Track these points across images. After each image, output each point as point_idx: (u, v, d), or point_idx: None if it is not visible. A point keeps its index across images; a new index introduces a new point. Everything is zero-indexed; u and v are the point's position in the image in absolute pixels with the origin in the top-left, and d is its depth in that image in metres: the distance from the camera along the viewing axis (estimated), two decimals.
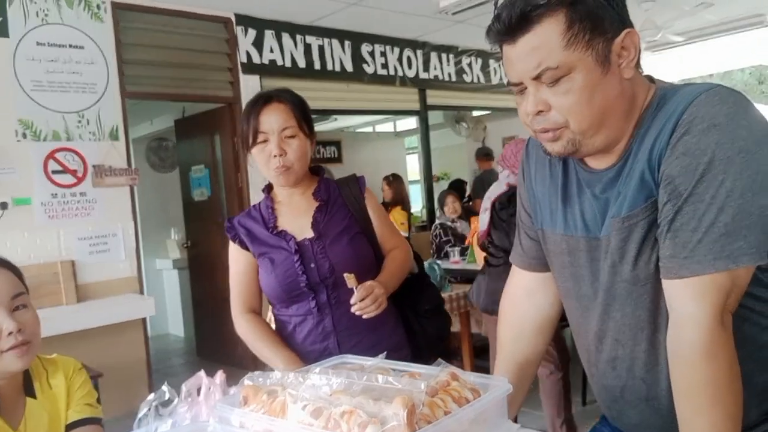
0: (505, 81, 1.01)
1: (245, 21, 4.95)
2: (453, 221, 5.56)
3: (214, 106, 5.11)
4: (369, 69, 5.83)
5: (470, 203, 7.03)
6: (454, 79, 6.65)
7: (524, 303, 1.29)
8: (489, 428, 0.96)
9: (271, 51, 5.14)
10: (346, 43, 5.65)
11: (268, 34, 5.12)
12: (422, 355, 1.76)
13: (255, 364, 5.20)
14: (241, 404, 0.99)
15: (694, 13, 5.54)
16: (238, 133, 1.75)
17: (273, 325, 1.81)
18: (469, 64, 6.81)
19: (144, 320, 4.31)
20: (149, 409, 1.08)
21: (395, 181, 6.40)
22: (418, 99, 6.42)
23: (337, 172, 1.89)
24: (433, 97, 6.53)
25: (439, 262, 4.23)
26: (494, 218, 3.05)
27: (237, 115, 4.94)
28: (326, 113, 6.75)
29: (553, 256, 1.18)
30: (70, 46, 4.05)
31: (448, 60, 6.58)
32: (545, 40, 0.93)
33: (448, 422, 0.88)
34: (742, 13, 6.13)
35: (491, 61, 6.97)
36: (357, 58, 5.73)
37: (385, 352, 1.15)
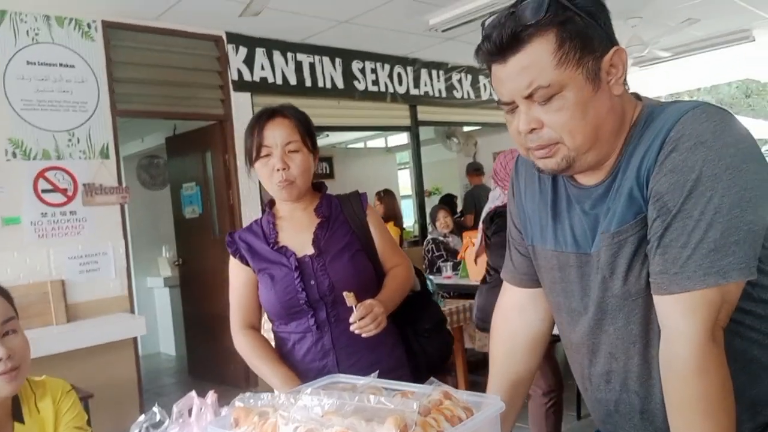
0: (494, 97, 1.02)
1: (236, 39, 4.98)
2: (445, 236, 5.56)
3: (205, 123, 5.12)
4: (360, 86, 5.86)
5: (462, 218, 7.05)
6: (444, 95, 6.70)
7: (516, 320, 1.29)
8: None
9: (262, 68, 5.16)
10: (337, 60, 5.69)
11: (259, 52, 5.14)
12: (421, 375, 1.74)
13: (247, 382, 5.15)
14: (232, 426, 0.98)
15: (680, 29, 5.61)
16: (245, 147, 1.74)
17: (273, 342, 1.80)
18: (459, 81, 6.86)
19: (135, 339, 4.27)
20: (140, 431, 1.06)
21: (387, 196, 6.41)
22: (409, 115, 6.46)
23: (330, 187, 1.89)
24: (424, 113, 6.57)
25: (431, 277, 4.22)
26: (485, 238, 3.05)
27: (228, 132, 4.95)
28: (318, 129, 6.74)
29: (543, 271, 1.19)
30: (61, 64, 4.05)
31: (438, 76, 6.63)
32: (536, 59, 0.94)
33: None
34: (728, 28, 6.22)
35: (481, 77, 7.03)
36: (348, 75, 5.76)
37: (378, 371, 1.14)
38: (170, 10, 4.31)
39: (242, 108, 5.01)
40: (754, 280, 0.94)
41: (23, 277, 3.83)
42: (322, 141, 8.39)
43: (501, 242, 2.73)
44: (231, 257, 1.77)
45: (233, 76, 4.96)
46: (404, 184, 9.43)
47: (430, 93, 6.55)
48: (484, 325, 2.93)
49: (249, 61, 5.07)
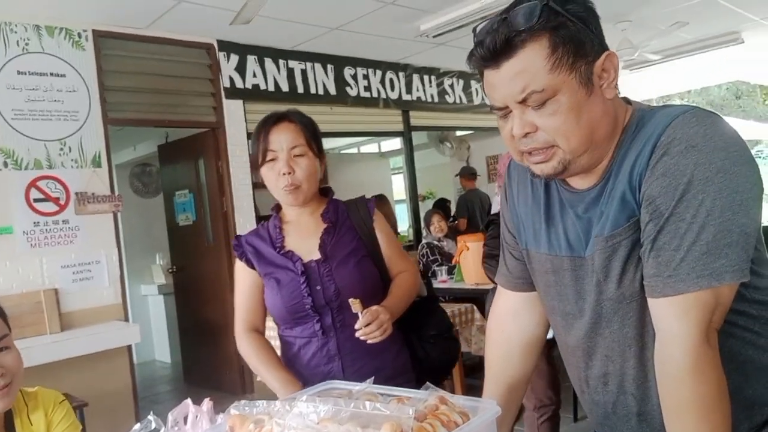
0: (486, 101, 1.02)
1: (228, 47, 4.98)
2: (439, 240, 5.57)
3: (198, 130, 5.11)
4: (352, 92, 5.87)
5: (455, 222, 7.06)
6: (436, 100, 6.71)
7: (511, 324, 1.29)
8: None
9: (254, 76, 5.16)
10: (329, 66, 5.69)
11: (251, 59, 5.14)
12: (426, 381, 1.74)
13: (243, 389, 5.14)
14: None
15: (669, 32, 5.65)
16: (251, 153, 1.73)
17: (278, 345, 1.80)
18: (451, 85, 6.88)
19: (129, 347, 4.25)
20: None
21: (381, 201, 6.41)
22: (402, 120, 6.47)
23: None
24: (417, 118, 6.58)
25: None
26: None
27: (221, 139, 4.95)
28: None
29: (538, 275, 1.19)
30: (51, 74, 4.04)
31: (430, 81, 6.64)
32: (529, 64, 0.95)
33: None
34: (717, 31, 6.26)
35: (472, 82, 7.05)
36: (340, 81, 5.77)
37: (375, 377, 1.14)
38: (161, 18, 4.31)
39: (234, 115, 5.01)
40: (747, 282, 0.94)
41: (16, 286, 3.81)
42: None
43: (489, 252, 2.71)
44: (237, 260, 1.77)
45: (225, 83, 4.96)
46: (398, 188, 9.42)
47: (423, 98, 6.56)
48: None
49: (241, 69, 5.07)
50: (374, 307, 1.55)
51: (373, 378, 1.13)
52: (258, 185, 6.18)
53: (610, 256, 1.01)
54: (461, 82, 6.99)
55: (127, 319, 4.31)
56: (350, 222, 1.75)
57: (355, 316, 1.53)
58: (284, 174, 1.64)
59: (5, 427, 1.29)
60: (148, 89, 4.56)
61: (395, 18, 4.84)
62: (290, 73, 5.40)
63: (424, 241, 5.68)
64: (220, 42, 4.92)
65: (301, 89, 5.46)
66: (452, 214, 7.49)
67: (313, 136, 1.70)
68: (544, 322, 1.27)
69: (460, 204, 7.17)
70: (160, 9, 4.15)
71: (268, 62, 5.27)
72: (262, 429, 0.93)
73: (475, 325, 3.90)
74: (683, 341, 0.92)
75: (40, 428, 1.33)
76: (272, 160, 1.66)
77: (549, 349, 2.66)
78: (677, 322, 0.93)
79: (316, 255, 1.69)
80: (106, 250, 4.20)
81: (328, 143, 8.56)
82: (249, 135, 5.11)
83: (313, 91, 5.55)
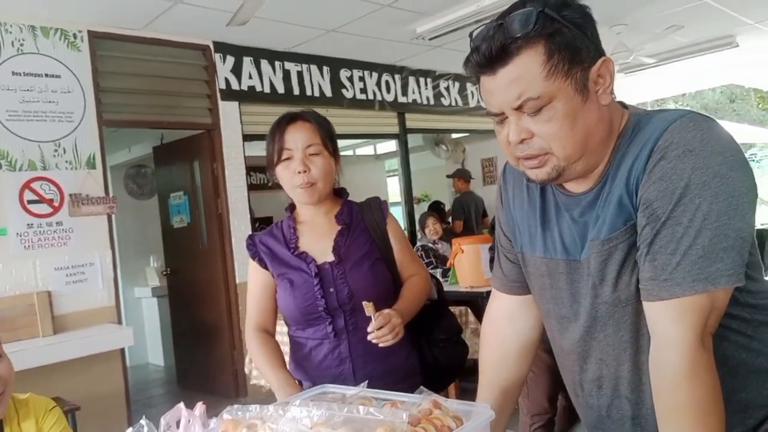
0: (482, 104, 1.02)
1: (223, 48, 4.97)
2: (434, 243, 5.57)
3: (193, 132, 5.10)
4: (348, 94, 5.87)
5: (450, 225, 7.06)
6: (432, 102, 6.72)
7: (506, 327, 1.29)
8: None
9: (250, 77, 5.16)
10: (325, 68, 5.70)
11: (247, 61, 5.14)
12: (435, 384, 1.73)
13: (237, 392, 5.12)
14: None
15: (664, 35, 5.67)
16: (267, 153, 1.74)
17: (286, 342, 1.79)
18: (447, 88, 6.89)
19: (122, 350, 4.23)
20: None
21: None
22: (398, 122, 6.48)
23: None
24: (412, 120, 6.59)
25: None
26: None
27: (216, 141, 4.94)
28: None
29: (533, 278, 1.19)
30: (46, 75, 4.03)
31: (426, 84, 6.65)
32: (525, 71, 0.94)
33: None
34: (712, 34, 6.29)
35: (468, 85, 7.06)
36: (336, 83, 5.77)
37: (367, 381, 1.13)
38: (157, 19, 4.30)
39: (230, 117, 5.01)
40: (741, 286, 0.94)
41: (9, 288, 3.79)
42: None
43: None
44: (250, 260, 1.77)
45: (221, 85, 4.96)
46: (393, 191, 9.43)
47: (418, 100, 6.57)
48: None
49: (237, 70, 5.06)
50: (386, 311, 1.55)
51: (367, 381, 1.12)
52: (253, 187, 6.19)
53: (606, 259, 1.01)
54: (457, 84, 7.00)
55: (120, 322, 4.29)
56: (364, 224, 1.76)
57: (367, 319, 1.53)
58: (300, 172, 1.65)
59: None
60: (144, 90, 4.55)
61: (391, 20, 4.84)
62: (286, 74, 5.40)
63: (419, 243, 5.68)
64: (216, 43, 4.92)
65: (297, 91, 5.46)
66: (447, 216, 7.49)
67: (328, 135, 1.71)
68: (540, 326, 1.27)
69: (456, 206, 7.18)
70: (156, 10, 4.14)
71: (264, 64, 5.26)
72: None
73: (470, 328, 3.90)
74: (679, 345, 0.92)
75: None
76: (288, 158, 1.67)
77: (553, 360, 2.64)
78: (673, 325, 0.93)
79: (330, 257, 1.69)
80: (100, 252, 4.18)
81: None
82: (245, 137, 5.11)
83: (309, 93, 5.55)
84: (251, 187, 5.43)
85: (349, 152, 9.77)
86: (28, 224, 3.89)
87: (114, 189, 4.63)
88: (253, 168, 6.48)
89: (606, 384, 1.09)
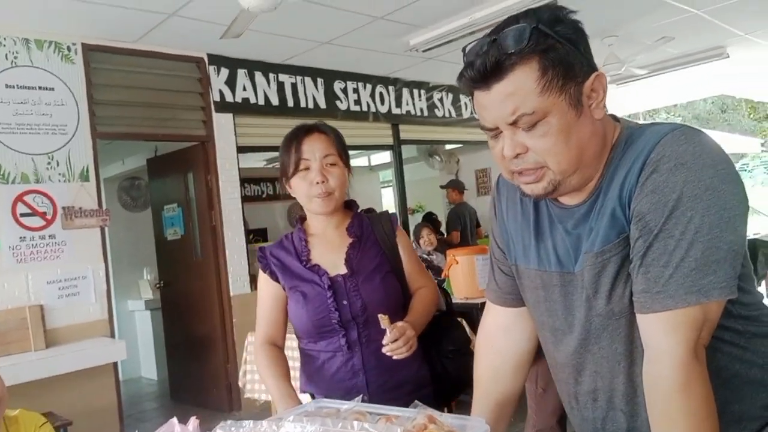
0: (475, 115, 1.02)
1: (218, 60, 4.98)
2: (429, 254, 5.57)
3: (187, 144, 5.10)
4: (342, 105, 5.89)
5: (448, 235, 7.07)
6: (426, 113, 6.75)
7: (501, 340, 1.29)
8: None
9: (244, 89, 5.17)
10: (319, 80, 5.71)
11: (241, 73, 5.15)
12: (444, 396, 1.75)
13: (231, 406, 5.07)
14: None
15: (655, 47, 5.72)
16: (281, 164, 1.75)
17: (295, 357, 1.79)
18: (440, 99, 6.92)
19: (115, 364, 4.20)
20: None
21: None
22: (392, 134, 6.49)
23: None
24: (406, 131, 6.61)
25: None
26: None
27: (210, 153, 4.94)
28: None
29: (527, 290, 1.19)
30: (40, 87, 4.02)
31: (419, 95, 6.68)
32: (520, 86, 0.95)
33: None
34: (703, 46, 6.35)
35: (461, 96, 7.09)
36: (330, 95, 5.79)
37: (361, 396, 1.13)
38: (151, 32, 4.31)
39: (224, 129, 5.01)
40: (733, 298, 0.95)
41: (1, 302, 3.76)
42: None
43: None
44: (260, 272, 1.77)
45: (215, 97, 4.96)
46: (387, 202, 9.45)
47: (412, 112, 6.59)
48: None
49: (231, 82, 5.07)
50: (401, 324, 1.56)
51: (361, 396, 1.12)
52: (248, 198, 6.18)
53: (599, 271, 1.01)
54: (450, 96, 7.03)
55: (113, 336, 4.26)
56: (374, 236, 1.77)
57: (380, 331, 1.54)
58: (318, 182, 1.66)
59: None
60: (138, 103, 4.54)
61: (385, 33, 4.87)
62: (280, 86, 5.41)
63: None
64: (210, 56, 4.93)
65: (291, 103, 5.47)
66: (441, 227, 7.49)
67: (342, 147, 1.75)
68: (535, 337, 1.26)
69: (452, 217, 7.18)
70: (151, 23, 4.15)
71: (258, 76, 5.27)
72: None
73: None
74: (672, 357, 0.92)
75: None
76: (305, 169, 1.68)
77: None
78: (666, 338, 0.93)
79: (342, 269, 1.70)
80: (93, 265, 4.16)
81: None
82: (239, 148, 5.11)
83: (303, 104, 5.56)
84: (245, 199, 5.42)
85: None
86: (20, 237, 3.87)
87: (107, 201, 4.61)
88: (247, 179, 6.49)
89: (601, 396, 1.09)
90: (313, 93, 5.65)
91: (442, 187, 7.76)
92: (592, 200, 1.04)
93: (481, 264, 4.05)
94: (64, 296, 4.01)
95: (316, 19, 4.40)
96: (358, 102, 6.03)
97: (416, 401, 1.04)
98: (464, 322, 3.85)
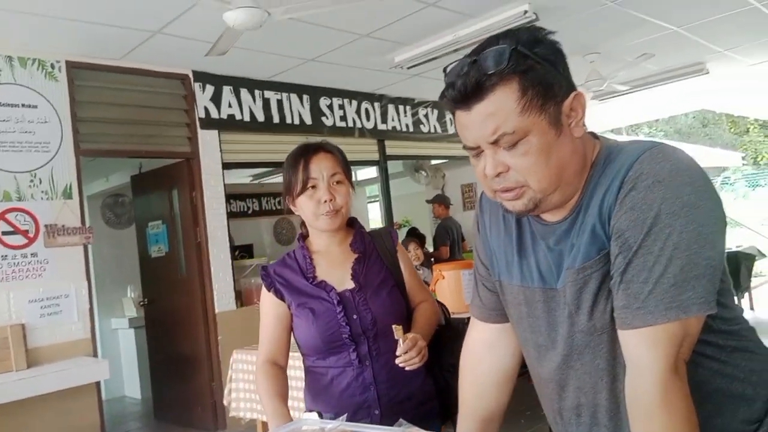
0: None
1: (203, 77, 4.98)
2: (416, 268, 5.56)
3: (172, 161, 5.08)
4: (328, 122, 5.90)
5: (435, 250, 7.07)
6: (411, 129, 6.78)
7: (485, 357, 1.29)
8: None
9: (230, 106, 5.17)
10: (305, 97, 5.73)
11: (227, 90, 5.15)
12: (448, 410, 1.75)
13: (216, 425, 5.01)
14: None
15: (636, 63, 5.80)
16: (285, 182, 1.77)
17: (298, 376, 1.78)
18: (426, 115, 6.96)
19: (98, 383, 4.14)
20: None
21: None
22: (378, 149, 6.52)
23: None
24: (392, 147, 6.64)
25: None
26: None
27: (195, 170, 4.92)
28: None
29: (511, 306, 1.20)
30: (23, 105, 4.00)
31: (405, 111, 6.72)
32: (500, 106, 0.96)
33: None
34: (683, 62, 6.45)
35: (446, 112, 7.14)
36: (316, 111, 5.80)
37: (346, 414, 1.13)
38: (136, 49, 4.30)
39: (209, 145, 5.00)
40: (713, 313, 0.96)
41: None
42: None
43: None
44: (264, 291, 1.77)
45: (200, 113, 4.95)
46: (374, 217, 9.46)
47: (398, 128, 6.63)
48: None
49: (216, 99, 5.07)
50: (412, 334, 1.59)
51: (346, 415, 1.11)
52: (233, 215, 6.15)
53: (581, 288, 1.02)
54: (435, 111, 7.08)
55: (96, 355, 4.20)
56: (377, 252, 1.80)
57: (390, 344, 1.56)
58: (326, 201, 1.68)
59: None
60: (122, 120, 4.53)
61: (370, 50, 4.90)
62: (266, 103, 5.42)
63: None
64: (195, 73, 4.93)
65: (276, 119, 5.47)
66: (425, 242, 7.49)
67: (346, 165, 1.77)
68: (519, 353, 1.27)
69: (440, 231, 7.20)
70: (136, 40, 4.15)
71: (244, 92, 5.28)
72: None
73: None
74: (652, 372, 0.93)
75: None
76: (312, 187, 1.70)
77: None
78: (646, 353, 0.94)
79: (349, 284, 1.71)
80: (76, 283, 4.11)
81: None
82: (224, 165, 5.10)
83: (288, 121, 5.56)
84: (231, 215, 5.39)
85: None
86: (2, 256, 3.82)
87: (91, 218, 4.57)
88: (232, 195, 6.46)
89: (584, 412, 1.10)
90: (299, 109, 5.66)
91: (428, 201, 7.79)
92: (573, 217, 1.05)
93: (468, 279, 4.06)
94: (46, 315, 3.95)
95: (301, 37, 4.43)
96: (344, 118, 6.05)
97: (401, 419, 1.04)
98: None
